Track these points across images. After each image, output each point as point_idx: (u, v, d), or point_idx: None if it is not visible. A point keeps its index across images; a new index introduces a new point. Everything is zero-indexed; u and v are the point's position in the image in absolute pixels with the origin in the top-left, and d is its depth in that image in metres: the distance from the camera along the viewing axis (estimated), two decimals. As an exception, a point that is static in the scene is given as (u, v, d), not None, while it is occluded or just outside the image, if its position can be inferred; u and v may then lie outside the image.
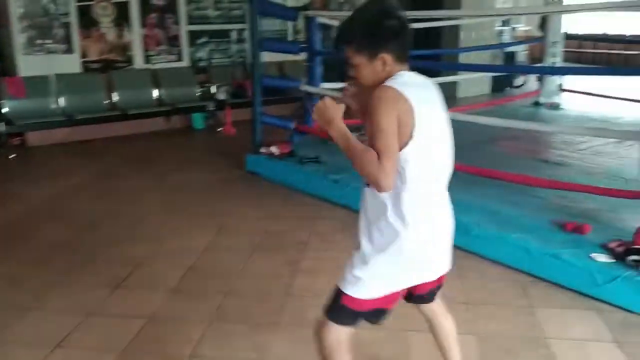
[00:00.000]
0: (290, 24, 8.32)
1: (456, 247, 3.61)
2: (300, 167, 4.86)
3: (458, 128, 6.15)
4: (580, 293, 3.08)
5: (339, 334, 1.89)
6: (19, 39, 6.47)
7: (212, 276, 3.34)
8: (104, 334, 2.73)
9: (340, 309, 1.86)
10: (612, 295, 2.99)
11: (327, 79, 5.39)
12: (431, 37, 9.66)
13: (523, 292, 3.14)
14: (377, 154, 1.64)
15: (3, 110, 6.24)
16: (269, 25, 8.29)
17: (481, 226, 3.57)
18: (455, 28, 9.28)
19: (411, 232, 1.79)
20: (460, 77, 8.61)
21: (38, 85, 6.53)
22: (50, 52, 6.64)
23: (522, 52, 11.49)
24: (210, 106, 7.31)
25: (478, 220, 3.64)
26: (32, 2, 6.47)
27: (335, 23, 5.58)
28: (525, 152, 5.39)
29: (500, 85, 10.26)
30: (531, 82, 9.78)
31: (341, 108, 1.76)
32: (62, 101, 6.63)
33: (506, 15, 9.66)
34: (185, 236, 3.93)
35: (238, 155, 5.57)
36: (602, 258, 3.13)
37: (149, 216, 4.33)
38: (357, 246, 1.90)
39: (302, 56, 5.33)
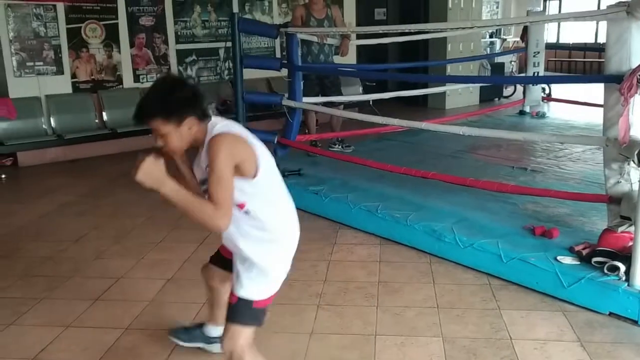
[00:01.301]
0: (277, 42, 8.48)
1: (429, 254, 3.76)
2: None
3: (438, 139, 6.31)
4: (548, 295, 3.16)
5: (247, 338, 2.12)
6: (10, 62, 6.61)
7: (189, 287, 3.41)
8: (81, 345, 2.80)
9: (242, 312, 2.10)
10: (577, 296, 3.07)
11: (307, 93, 5.51)
12: (418, 49, 9.84)
13: (492, 296, 3.22)
14: (214, 200, 1.88)
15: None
16: (258, 42, 8.46)
17: (454, 232, 3.65)
18: (443, 40, 9.43)
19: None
20: (448, 87, 8.74)
21: (28, 106, 6.65)
22: (40, 73, 6.78)
23: (510, 63, 11.66)
24: (199, 123, 7.43)
25: (451, 227, 3.73)
26: (22, 26, 6.62)
27: (315, 39, 5.72)
28: (503, 160, 5.48)
29: (489, 95, 10.39)
30: (520, 92, 9.90)
31: (162, 164, 1.88)
32: (52, 121, 6.75)
33: (484, 27, 9.85)
34: (166, 249, 4.02)
35: (223, 170, 5.66)
36: (568, 260, 3.21)
37: (132, 231, 4.42)
38: (239, 258, 2.14)
39: (284, 72, 5.44)
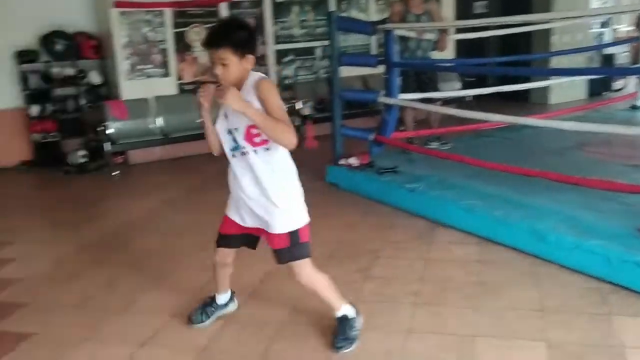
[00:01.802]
0: (373, 39, 8.46)
1: (531, 255, 3.60)
2: (377, 178, 4.94)
3: (541, 135, 6.04)
4: (665, 302, 2.94)
5: (309, 266, 2.60)
6: (122, 66, 7.06)
7: (285, 282, 3.48)
8: (185, 335, 2.94)
9: (297, 245, 2.54)
10: (700, 304, 2.82)
11: (403, 90, 5.44)
12: (520, 42, 9.45)
13: (601, 300, 3.03)
14: (285, 123, 2.30)
15: (108, 131, 6.81)
16: (354, 40, 8.49)
17: (558, 232, 3.47)
18: (546, 32, 9.01)
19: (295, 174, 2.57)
20: (552, 82, 8.33)
21: (138, 107, 7.07)
22: (149, 76, 7.18)
23: (622, 54, 10.90)
24: (296, 121, 7.57)
25: (555, 226, 3.55)
26: (134, 32, 7.05)
27: (412, 35, 5.65)
28: (614, 157, 5.14)
29: (597, 89, 9.79)
30: (632, 84, 9.24)
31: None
32: (159, 121, 7.13)
33: (595, 15, 9.23)
34: (263, 242, 4.12)
35: (319, 167, 5.74)
36: (688, 265, 2.96)
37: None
38: (271, 202, 2.50)
39: (381, 69, 5.42)
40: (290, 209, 2.53)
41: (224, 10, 7.59)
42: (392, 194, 4.72)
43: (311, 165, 5.95)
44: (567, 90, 9.29)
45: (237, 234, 2.68)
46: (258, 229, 2.63)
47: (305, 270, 2.57)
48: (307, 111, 7.67)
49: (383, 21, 5.39)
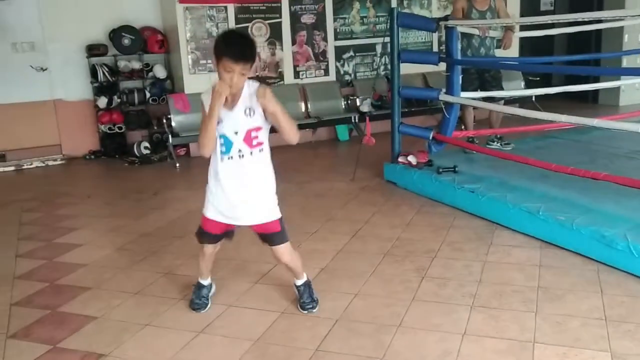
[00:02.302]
0: (435, 36, 8.34)
1: (597, 261, 3.46)
2: (436, 177, 4.86)
3: (611, 137, 5.80)
4: None
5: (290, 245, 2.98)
6: (186, 60, 7.22)
7: (342, 278, 3.49)
8: (242, 324, 2.99)
9: (284, 229, 2.92)
10: None
11: (465, 88, 5.34)
12: (590, 41, 9.12)
13: (671, 312, 2.88)
14: (293, 123, 2.69)
15: (171, 124, 6.98)
16: (415, 37, 8.40)
17: (627, 240, 3.32)
18: (619, 30, 8.64)
19: None
20: (623, 82, 7.97)
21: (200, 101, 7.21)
22: (211, 70, 7.32)
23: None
24: (355, 118, 7.58)
25: (624, 233, 3.39)
26: (198, 27, 7.20)
27: (476, 32, 5.52)
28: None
29: (673, 91, 9.30)
30: None
31: None
32: (220, 115, 7.25)
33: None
34: (320, 240, 4.15)
35: (377, 165, 5.71)
36: None
37: (288, 220, 4.60)
38: (264, 196, 2.84)
39: (442, 67, 5.33)
40: (275, 200, 2.87)
41: (285, 6, 7.64)
42: (451, 193, 4.64)
43: (369, 163, 5.95)
44: (638, 91, 8.89)
45: (222, 233, 2.96)
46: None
47: (288, 249, 2.95)
48: (365, 108, 7.65)
49: (445, 18, 5.28)
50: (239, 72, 2.54)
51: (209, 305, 3.15)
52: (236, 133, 2.67)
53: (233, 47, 2.54)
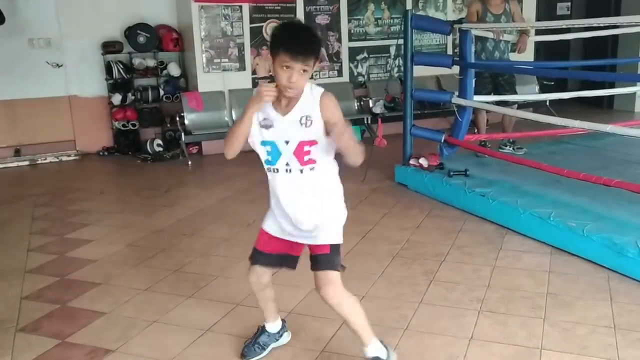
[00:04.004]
0: (449, 38, 8.31)
1: (607, 269, 3.43)
2: (447, 180, 4.85)
3: (625, 144, 5.74)
4: None
5: (342, 284, 2.38)
6: (201, 58, 7.26)
7: (351, 279, 3.47)
8: (249, 323, 2.99)
9: (336, 256, 2.37)
10: None
11: (478, 91, 5.32)
12: (606, 47, 9.04)
13: (682, 322, 2.85)
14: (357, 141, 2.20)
15: (184, 122, 7.02)
16: (429, 39, 8.37)
17: (639, 247, 3.29)
18: (636, 36, 8.55)
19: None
20: (639, 88, 7.89)
21: (214, 99, 7.27)
22: (225, 69, 7.35)
23: None
24: (367, 120, 7.57)
25: (636, 241, 3.36)
26: (212, 26, 7.24)
27: (490, 35, 5.50)
28: None
29: (689, 97, 9.20)
30: None
31: None
32: (233, 114, 7.29)
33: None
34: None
35: (388, 167, 5.70)
36: None
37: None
38: (319, 216, 2.34)
39: (455, 69, 5.31)
40: (334, 226, 2.39)
41: (300, 7, 7.66)
42: (462, 197, 4.62)
43: (380, 165, 5.93)
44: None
45: (276, 253, 2.48)
46: (298, 244, 2.45)
47: (338, 284, 2.35)
48: (378, 109, 7.65)
49: (460, 21, 5.26)
50: (299, 70, 2.10)
51: (261, 355, 2.65)
52: (287, 143, 2.22)
53: (292, 40, 2.12)
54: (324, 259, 2.34)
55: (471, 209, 4.53)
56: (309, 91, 2.20)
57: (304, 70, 2.11)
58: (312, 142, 2.21)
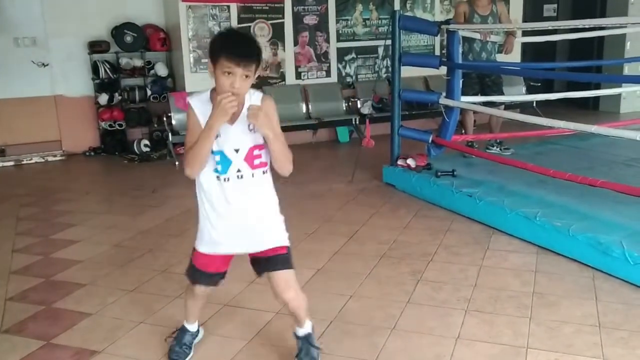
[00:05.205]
0: (437, 39, 8.35)
1: (592, 268, 3.46)
2: (435, 180, 4.87)
3: (610, 145, 5.80)
4: None
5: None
6: (188, 59, 7.23)
7: (338, 279, 3.49)
8: (236, 323, 2.99)
9: (290, 255, 2.43)
10: None
11: (466, 92, 5.35)
12: (592, 48, 9.13)
13: (666, 321, 2.88)
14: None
15: (171, 122, 6.99)
16: (417, 40, 8.40)
17: (623, 247, 3.32)
18: (621, 38, 8.64)
19: None
20: (625, 89, 7.97)
21: (201, 99, 7.22)
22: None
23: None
24: (355, 120, 7.59)
25: (620, 240, 3.39)
26: (200, 26, 7.21)
27: (477, 36, 5.53)
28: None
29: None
30: None
31: None
32: (221, 114, 7.25)
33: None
34: (317, 240, 4.15)
35: (376, 167, 5.72)
36: None
37: (287, 220, 4.60)
38: (271, 219, 2.41)
39: (443, 70, 5.34)
40: (283, 226, 2.43)
41: (288, 7, 7.65)
42: (449, 197, 4.64)
43: (368, 165, 5.95)
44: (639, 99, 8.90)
45: (217, 272, 2.49)
46: (230, 258, 2.48)
47: (297, 285, 2.41)
48: (366, 110, 7.66)
49: (447, 22, 5.28)
50: (242, 75, 2.09)
51: (190, 355, 2.68)
52: (237, 151, 2.22)
53: (233, 45, 2.10)
54: (283, 258, 2.39)
55: (458, 209, 4.55)
56: (249, 97, 2.22)
57: (246, 76, 2.11)
58: (262, 146, 2.26)
